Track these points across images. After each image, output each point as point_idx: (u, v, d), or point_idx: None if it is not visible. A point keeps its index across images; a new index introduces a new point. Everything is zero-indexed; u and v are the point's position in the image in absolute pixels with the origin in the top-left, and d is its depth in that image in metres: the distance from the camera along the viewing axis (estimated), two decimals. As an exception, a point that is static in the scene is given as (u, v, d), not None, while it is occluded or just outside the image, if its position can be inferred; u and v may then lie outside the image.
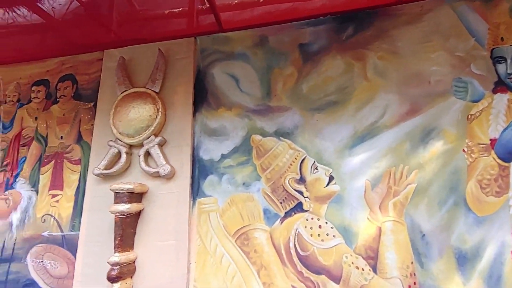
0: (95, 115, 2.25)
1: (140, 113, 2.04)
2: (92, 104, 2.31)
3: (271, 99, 2.03)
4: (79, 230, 2.04)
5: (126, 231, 1.85)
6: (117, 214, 1.82)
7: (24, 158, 2.30)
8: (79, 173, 2.18)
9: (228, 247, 1.83)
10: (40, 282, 2.00)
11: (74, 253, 2.01)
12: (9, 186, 2.25)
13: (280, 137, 1.94)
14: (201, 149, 2.04)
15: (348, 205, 1.74)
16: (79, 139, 2.25)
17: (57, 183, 2.18)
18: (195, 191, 1.97)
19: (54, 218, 2.11)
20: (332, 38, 2.03)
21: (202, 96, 2.14)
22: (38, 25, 2.25)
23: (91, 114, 2.29)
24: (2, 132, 2.40)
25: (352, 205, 1.73)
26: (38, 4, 1.97)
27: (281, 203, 1.83)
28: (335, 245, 1.69)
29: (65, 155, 2.23)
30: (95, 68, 2.38)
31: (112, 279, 1.73)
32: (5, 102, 2.47)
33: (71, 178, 2.18)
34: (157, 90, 2.12)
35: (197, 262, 1.84)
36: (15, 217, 2.17)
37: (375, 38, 1.95)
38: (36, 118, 2.38)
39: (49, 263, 2.02)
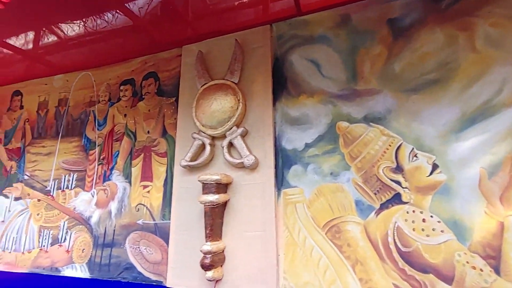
0: (178, 109, 2.33)
1: (222, 104, 2.05)
2: (174, 99, 2.40)
3: (357, 83, 1.88)
4: (169, 219, 2.15)
5: (215, 220, 1.88)
6: (207, 204, 1.86)
7: (117, 152, 2.49)
8: (166, 165, 2.29)
9: (318, 240, 1.75)
10: (138, 267, 2.15)
11: (166, 240, 2.12)
12: (106, 178, 2.47)
13: (370, 123, 1.78)
14: (283, 139, 1.99)
15: (458, 196, 1.52)
16: (164, 133, 2.36)
17: (147, 175, 2.33)
18: (280, 182, 1.93)
19: (146, 207, 2.25)
20: (428, 9, 1.80)
21: (281, 84, 2.08)
22: (124, 28, 2.41)
23: (173, 109, 2.38)
24: (98, 129, 2.63)
25: (463, 196, 1.52)
26: (127, 5, 2.09)
27: (375, 194, 1.69)
28: (444, 242, 1.50)
29: (152, 148, 2.37)
30: (174, 64, 2.47)
31: (205, 267, 1.78)
32: (99, 102, 2.70)
33: (159, 170, 2.30)
34: (236, 81, 2.11)
35: (286, 254, 1.80)
36: (113, 206, 2.36)
37: (485, 3, 1.67)
38: (125, 115, 2.56)
39: (145, 249, 2.17)
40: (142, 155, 2.39)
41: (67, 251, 2.43)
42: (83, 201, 2.50)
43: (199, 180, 1.92)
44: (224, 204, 1.96)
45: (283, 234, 1.84)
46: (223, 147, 2.03)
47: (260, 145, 1.99)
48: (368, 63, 1.86)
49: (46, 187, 2.68)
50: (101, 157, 2.55)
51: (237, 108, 2.03)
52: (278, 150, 1.98)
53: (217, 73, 2.22)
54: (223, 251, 1.89)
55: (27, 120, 2.99)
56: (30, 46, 2.79)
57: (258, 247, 1.84)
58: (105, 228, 2.35)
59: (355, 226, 1.69)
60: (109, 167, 2.49)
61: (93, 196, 2.47)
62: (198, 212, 2.03)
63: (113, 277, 2.20)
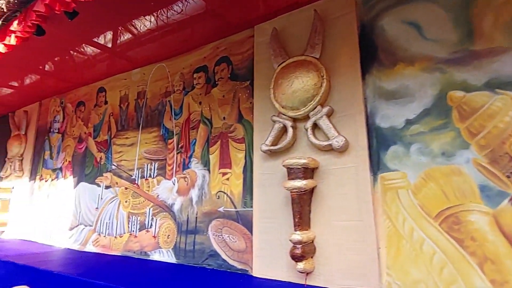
0: (253, 93, 2.23)
1: (304, 82, 1.88)
2: (248, 82, 2.30)
3: (473, 42, 1.53)
4: (251, 207, 2.07)
5: (304, 208, 1.73)
6: (294, 190, 1.72)
7: (194, 140, 2.50)
8: (244, 151, 2.21)
9: (429, 232, 1.48)
10: (222, 254, 2.12)
11: (249, 228, 2.05)
12: (186, 166, 2.49)
13: (496, 90, 1.44)
14: (377, 116, 1.74)
15: None
16: (240, 118, 2.28)
17: (225, 161, 2.28)
18: (375, 165, 1.69)
19: (227, 195, 2.21)
20: None
21: (371, 54, 1.82)
22: (194, 16, 2.37)
23: (248, 93, 2.28)
24: (175, 119, 2.67)
25: None
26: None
27: (508, 177, 1.36)
28: None
29: (229, 134, 2.31)
30: (247, 46, 2.36)
31: (297, 258, 1.65)
32: (174, 92, 2.74)
33: (237, 156, 2.23)
34: (318, 56, 1.91)
35: (388, 247, 1.57)
36: (194, 193, 2.38)
37: None
38: (200, 103, 2.54)
39: (227, 236, 2.13)
40: (219, 142, 2.35)
41: (154, 236, 2.53)
42: (165, 189, 2.57)
43: (283, 165, 1.78)
44: (311, 191, 1.80)
45: (383, 225, 1.61)
46: (306, 129, 1.85)
47: (349, 125, 1.77)
48: (490, 16, 1.50)
49: (132, 176, 2.83)
50: (180, 145, 2.58)
51: (321, 86, 1.83)
52: (372, 130, 1.74)
53: (294, 50, 2.04)
54: (313, 241, 1.74)
55: (111, 114, 3.19)
56: (109, 45, 2.94)
57: (353, 238, 1.64)
58: (188, 215, 2.37)
59: (481, 216, 1.38)
60: (188, 155, 2.51)
61: (174, 184, 2.52)
62: (282, 199, 1.90)
63: (198, 263, 2.22)
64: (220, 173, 2.29)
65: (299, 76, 1.90)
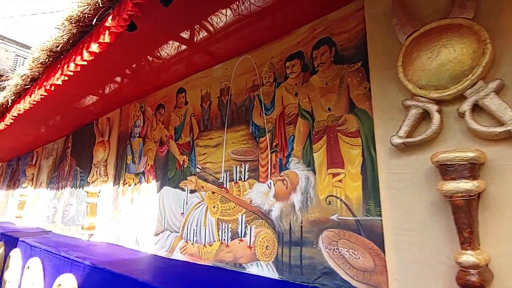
0: (369, 76, 1.83)
1: (456, 52, 1.42)
2: (359, 63, 1.91)
3: None
4: (378, 215, 1.66)
5: (474, 218, 1.28)
6: (459, 194, 1.27)
7: (292, 136, 2.17)
8: (360, 147, 1.81)
9: None
10: (340, 272, 1.75)
11: (377, 242, 1.64)
12: (283, 167, 2.18)
13: None
14: None
15: None
16: (352, 108, 1.90)
17: (335, 160, 1.91)
18: None
19: (341, 200, 1.83)
20: None
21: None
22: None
23: (360, 76, 1.89)
24: (266, 114, 2.38)
25: None
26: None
27: None
28: None
29: (338, 128, 1.93)
30: (354, 22, 1.97)
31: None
32: (263, 85, 2.46)
33: (351, 153, 1.84)
34: (471, 16, 1.44)
35: None
36: (296, 198, 2.04)
37: None
38: (296, 94, 2.22)
39: (346, 251, 1.75)
40: (325, 137, 1.99)
41: (249, 247, 2.25)
42: (260, 193, 2.28)
43: (436, 161, 1.35)
44: (479, 196, 1.33)
45: None
46: (463, 113, 1.39)
47: (534, 103, 1.27)
48: None
49: (219, 179, 2.62)
50: (274, 144, 2.28)
51: (483, 54, 1.36)
52: None
53: (429, 15, 1.59)
54: (487, 265, 1.27)
55: (192, 114, 3.05)
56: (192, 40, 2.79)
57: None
58: (290, 223, 2.05)
59: None
60: (285, 155, 2.19)
61: (270, 188, 2.22)
62: (426, 206, 1.47)
63: (308, 282, 1.87)
64: (329, 174, 1.92)
65: (448, 45, 1.45)
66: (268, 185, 2.24)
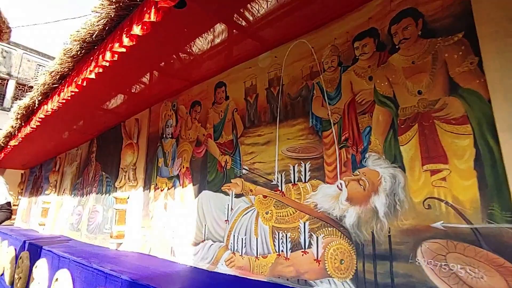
0: (477, 48, 1.47)
1: None
2: (460, 35, 1.55)
3: None
4: (506, 221, 1.28)
5: None
6: None
7: (368, 128, 1.82)
8: (471, 136, 1.44)
9: None
10: (455, 296, 1.37)
11: (509, 256, 1.26)
12: (357, 164, 1.83)
13: None
14: None
15: None
16: (454, 89, 1.53)
17: (433, 154, 1.54)
18: None
19: (446, 203, 1.46)
20: None
21: None
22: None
23: (463, 50, 1.53)
24: (330, 104, 2.05)
25: None
26: None
27: None
28: None
29: (434, 114, 1.57)
30: (449, -14, 1.62)
31: None
32: (324, 71, 2.13)
33: (457, 144, 1.48)
34: None
35: None
36: (379, 202, 1.69)
37: None
38: (370, 78, 1.87)
39: (461, 268, 1.37)
40: (416, 126, 1.63)
41: (317, 260, 1.90)
42: (327, 196, 1.93)
43: None
44: None
45: None
46: None
47: None
48: None
49: (272, 181, 2.28)
50: (343, 137, 1.94)
51: None
52: None
53: None
54: None
55: (235, 109, 2.74)
56: (225, 35, 2.50)
57: None
58: (372, 232, 1.69)
59: None
60: (359, 150, 1.84)
61: (340, 189, 1.87)
62: None
63: (407, 306, 1.50)
64: (425, 171, 1.56)
65: None
66: (338, 186, 1.89)
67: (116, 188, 4.27)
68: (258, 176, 2.40)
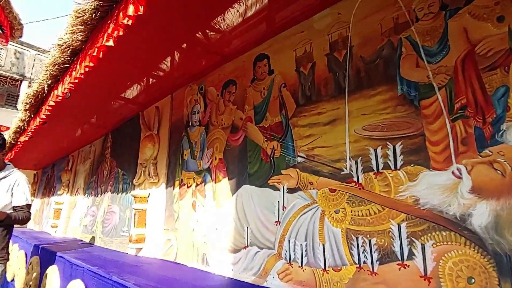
0: None
1: None
2: None
3: None
4: None
5: None
6: None
7: (504, 88, 1.28)
8: None
9: None
10: None
11: None
12: (487, 140, 1.28)
13: None
14: None
15: None
16: None
17: None
18: None
19: None
20: None
21: None
22: None
23: None
24: (430, 63, 1.50)
25: None
26: None
27: None
28: None
29: None
30: None
31: None
32: (416, 20, 1.59)
33: None
34: None
35: None
36: (534, 193, 1.13)
37: None
38: (500, 19, 1.32)
39: None
40: None
41: (424, 277, 1.35)
42: (435, 188, 1.39)
43: None
44: None
45: None
46: None
47: None
48: None
49: (342, 170, 1.75)
50: (457, 105, 1.39)
51: None
52: None
53: None
54: None
55: (283, 85, 2.22)
56: None
57: None
58: (526, 238, 1.14)
59: None
60: (487, 120, 1.29)
61: (460, 177, 1.32)
62: None
63: None
64: None
65: None
66: (454, 172, 1.35)
67: (134, 185, 3.80)
68: (320, 165, 1.87)
